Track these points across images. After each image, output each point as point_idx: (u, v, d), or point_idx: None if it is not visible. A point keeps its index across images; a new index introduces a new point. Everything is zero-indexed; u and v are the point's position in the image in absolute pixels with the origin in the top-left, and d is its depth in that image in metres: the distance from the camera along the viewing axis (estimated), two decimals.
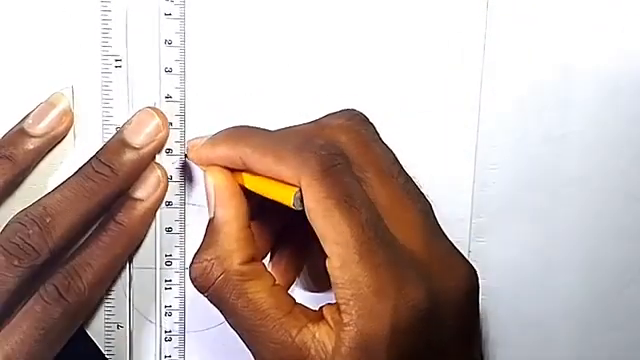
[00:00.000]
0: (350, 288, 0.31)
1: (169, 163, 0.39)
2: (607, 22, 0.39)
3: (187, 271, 0.40)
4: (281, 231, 0.38)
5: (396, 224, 0.33)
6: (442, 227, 0.36)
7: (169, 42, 0.38)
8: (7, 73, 0.38)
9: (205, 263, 0.34)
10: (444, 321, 0.32)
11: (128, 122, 0.38)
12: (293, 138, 0.34)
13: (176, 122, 0.39)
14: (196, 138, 0.38)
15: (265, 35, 0.39)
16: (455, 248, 0.35)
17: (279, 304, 0.33)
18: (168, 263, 0.40)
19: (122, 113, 0.38)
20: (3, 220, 0.36)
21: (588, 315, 0.41)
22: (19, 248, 0.35)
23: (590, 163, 0.40)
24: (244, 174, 0.35)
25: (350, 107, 0.37)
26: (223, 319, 0.34)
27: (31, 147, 0.37)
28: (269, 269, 0.36)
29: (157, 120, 0.38)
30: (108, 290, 0.39)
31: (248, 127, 0.36)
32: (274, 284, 0.34)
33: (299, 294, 0.40)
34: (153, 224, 0.39)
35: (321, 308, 0.33)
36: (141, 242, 0.39)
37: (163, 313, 0.40)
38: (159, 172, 0.38)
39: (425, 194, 0.36)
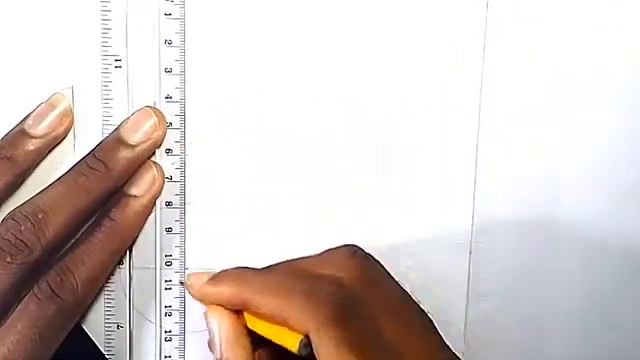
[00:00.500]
0: None
1: (169, 163, 0.39)
2: (607, 22, 0.39)
3: (187, 271, 0.40)
4: None
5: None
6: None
7: (169, 42, 0.38)
8: (7, 73, 0.38)
9: None
10: None
11: (126, 120, 0.38)
12: (299, 281, 0.33)
13: (176, 122, 0.39)
14: (195, 273, 0.38)
15: (265, 35, 0.39)
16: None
17: None
18: (168, 263, 0.40)
19: (122, 113, 0.38)
20: None
21: (588, 315, 0.41)
22: (11, 245, 0.35)
23: (590, 163, 0.40)
24: (246, 314, 0.35)
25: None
26: None
27: (31, 148, 0.37)
28: None
29: (154, 119, 0.38)
30: (108, 290, 0.39)
31: (250, 268, 0.36)
32: None
33: None
34: (153, 224, 0.39)
35: None
36: (136, 239, 0.39)
37: (163, 313, 0.40)
38: (155, 170, 0.38)
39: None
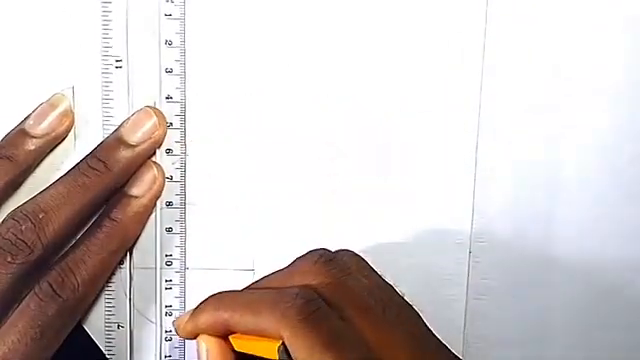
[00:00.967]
0: None
1: (169, 163, 0.39)
2: (607, 22, 0.39)
3: (187, 271, 0.40)
4: None
5: (386, 356, 0.32)
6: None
7: (169, 42, 0.38)
8: (7, 73, 0.38)
9: None
10: None
11: (126, 120, 0.38)
12: (267, 294, 0.34)
13: (176, 122, 0.39)
14: (179, 317, 0.38)
15: (265, 35, 0.39)
16: (446, 351, 0.35)
17: None
18: (168, 263, 0.40)
19: (122, 114, 0.38)
20: None
21: (587, 315, 0.41)
22: (12, 244, 0.35)
23: (590, 163, 0.40)
24: (231, 337, 0.35)
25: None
26: None
27: (32, 148, 0.37)
28: None
29: (154, 119, 0.38)
30: (108, 290, 0.39)
31: (226, 292, 0.36)
32: None
33: None
34: (153, 224, 0.39)
35: None
36: (137, 240, 0.39)
37: (163, 313, 0.40)
38: (155, 170, 0.38)
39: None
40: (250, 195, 0.40)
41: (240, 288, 0.37)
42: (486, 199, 0.40)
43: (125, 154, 0.37)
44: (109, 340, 0.40)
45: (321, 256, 0.35)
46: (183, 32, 0.38)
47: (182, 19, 0.38)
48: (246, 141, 0.39)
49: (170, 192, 0.39)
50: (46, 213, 0.35)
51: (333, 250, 0.37)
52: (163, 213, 0.39)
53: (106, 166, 0.37)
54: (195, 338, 0.36)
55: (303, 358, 0.31)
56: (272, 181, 0.40)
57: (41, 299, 0.35)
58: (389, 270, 0.37)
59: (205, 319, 0.35)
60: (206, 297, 0.36)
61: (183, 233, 0.40)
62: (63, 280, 0.35)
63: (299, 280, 0.35)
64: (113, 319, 0.40)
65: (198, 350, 0.36)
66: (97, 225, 0.37)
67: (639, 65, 0.40)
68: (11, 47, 0.38)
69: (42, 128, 0.37)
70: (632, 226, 0.41)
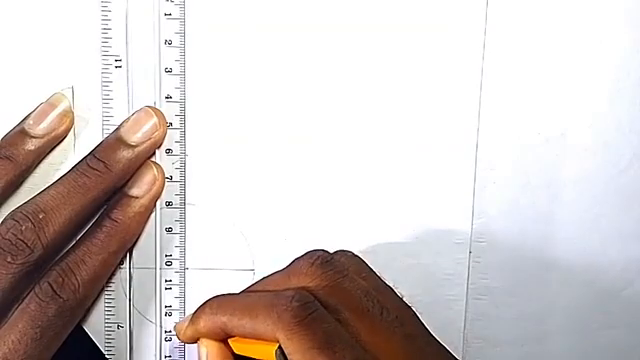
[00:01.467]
0: None
1: (169, 163, 0.39)
2: (607, 22, 0.39)
3: (187, 271, 0.40)
4: None
5: (382, 356, 0.33)
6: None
7: (169, 42, 0.38)
8: (7, 73, 0.38)
9: None
10: None
11: (126, 120, 0.38)
12: (263, 297, 0.34)
13: (176, 122, 0.39)
14: (180, 320, 0.38)
15: (265, 35, 0.39)
16: (445, 352, 0.35)
17: None
18: (168, 263, 0.40)
19: (122, 113, 0.38)
20: None
21: (588, 315, 0.41)
22: (12, 244, 0.35)
23: (590, 163, 0.40)
24: (230, 341, 0.35)
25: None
26: None
27: (32, 148, 0.37)
28: None
29: (154, 119, 0.38)
30: (108, 290, 0.39)
31: (224, 295, 0.36)
32: None
33: None
34: (153, 224, 0.39)
35: None
36: (137, 240, 0.39)
37: (163, 313, 0.40)
38: (155, 170, 0.38)
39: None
40: (250, 195, 0.40)
41: (240, 289, 0.37)
42: (486, 199, 0.40)
43: (125, 154, 0.37)
44: (109, 340, 0.40)
45: (318, 257, 0.35)
46: (183, 32, 0.38)
47: (182, 19, 0.38)
48: (246, 141, 0.39)
49: (170, 192, 0.39)
50: (46, 213, 0.35)
51: (332, 250, 0.37)
52: (163, 213, 0.39)
53: (106, 166, 0.37)
54: (195, 342, 0.36)
55: (297, 359, 0.31)
56: (272, 181, 0.40)
57: (41, 299, 0.35)
58: (389, 270, 0.37)
59: (204, 323, 0.35)
60: (205, 300, 0.36)
61: (183, 233, 0.40)
62: (63, 280, 0.35)
63: (296, 282, 0.35)
64: (113, 319, 0.40)
65: (199, 353, 0.36)
66: (97, 225, 0.37)
67: (639, 65, 0.40)
68: (11, 47, 0.38)
69: (42, 128, 0.37)
70: (632, 226, 0.41)
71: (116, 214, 0.37)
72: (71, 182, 0.36)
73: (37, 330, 0.35)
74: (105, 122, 0.39)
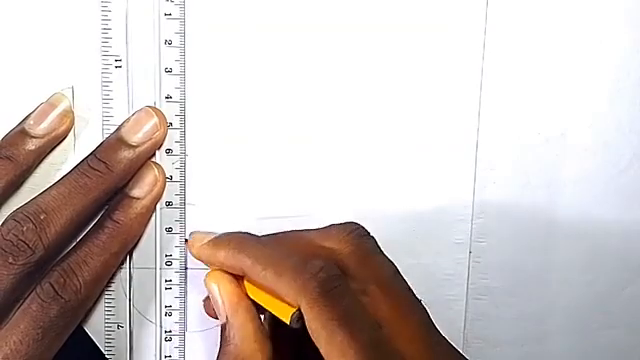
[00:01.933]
0: None
1: (169, 163, 0.39)
2: (607, 22, 0.39)
3: (187, 271, 0.40)
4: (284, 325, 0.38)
5: (399, 337, 0.33)
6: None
7: (169, 42, 0.38)
8: (7, 73, 0.38)
9: None
10: None
11: (126, 120, 0.38)
12: (293, 255, 0.34)
13: (176, 122, 0.39)
14: (198, 232, 0.38)
15: (265, 35, 0.39)
16: (456, 351, 0.35)
17: None
18: (168, 263, 0.40)
19: (122, 113, 0.38)
20: None
21: (588, 315, 0.41)
22: (13, 245, 0.35)
23: (590, 163, 0.40)
24: (245, 281, 0.35)
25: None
26: None
27: (32, 148, 0.37)
28: None
29: (155, 119, 0.38)
30: (108, 290, 0.39)
31: (249, 236, 0.37)
32: None
33: None
34: (153, 224, 0.39)
35: None
36: (138, 241, 0.39)
37: (163, 313, 0.40)
38: (156, 171, 0.38)
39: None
40: (250, 195, 0.40)
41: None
42: (486, 199, 0.40)
43: (126, 154, 0.37)
44: (109, 340, 0.40)
45: (357, 228, 0.36)
46: (183, 32, 0.38)
47: (182, 19, 0.38)
48: (246, 141, 0.39)
49: (170, 192, 0.39)
50: (47, 214, 0.35)
51: None
52: (163, 213, 0.39)
53: (107, 166, 0.37)
54: (202, 261, 0.36)
55: (316, 330, 0.32)
56: (272, 181, 0.40)
57: (43, 300, 0.35)
58: None
59: (225, 257, 0.36)
60: (231, 232, 0.36)
61: (183, 233, 0.40)
62: (65, 281, 0.35)
63: (330, 244, 0.35)
64: (113, 319, 0.40)
65: (208, 288, 0.36)
66: (99, 226, 0.37)
67: (639, 65, 0.40)
68: (11, 47, 0.38)
69: (42, 128, 0.37)
70: (632, 226, 0.41)
71: (118, 215, 0.37)
72: (72, 182, 0.36)
73: (39, 331, 0.35)
74: (105, 122, 0.38)
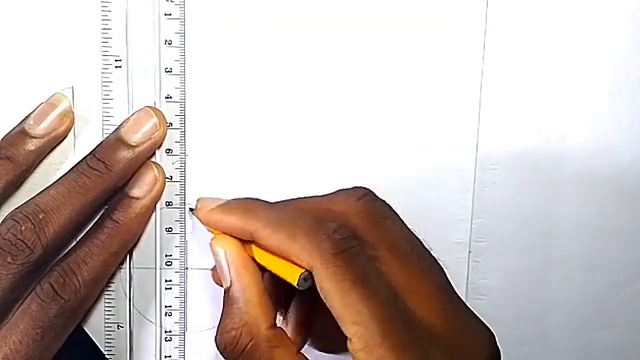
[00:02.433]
0: None
1: (169, 163, 0.39)
2: (607, 22, 0.39)
3: (187, 271, 0.40)
4: (289, 293, 0.38)
5: (414, 300, 0.32)
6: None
7: (169, 42, 0.38)
8: (7, 73, 0.38)
9: (233, 332, 0.34)
10: None
11: (126, 120, 0.38)
12: (306, 217, 0.34)
13: (176, 122, 0.39)
14: (205, 198, 0.38)
15: (265, 35, 0.39)
16: (472, 314, 0.34)
17: None
18: (168, 263, 0.40)
19: (122, 113, 0.38)
20: None
21: (587, 315, 0.41)
22: (12, 245, 0.35)
23: (590, 163, 0.40)
24: (253, 246, 0.35)
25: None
26: None
27: (32, 148, 0.37)
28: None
29: (155, 119, 0.38)
30: (108, 290, 0.39)
31: (259, 200, 0.37)
32: (298, 351, 0.34)
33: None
34: (153, 224, 0.39)
35: None
36: (138, 241, 0.39)
37: (163, 313, 0.40)
38: (156, 171, 0.38)
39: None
40: (250, 195, 0.40)
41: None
42: (486, 199, 0.40)
43: (125, 154, 0.37)
44: (109, 340, 0.40)
45: (367, 194, 0.35)
46: (183, 32, 0.38)
47: (182, 19, 0.38)
48: (246, 141, 0.39)
49: (170, 192, 0.39)
50: (46, 213, 0.35)
51: None
52: (163, 213, 0.39)
53: (106, 166, 0.37)
54: (210, 225, 0.36)
55: (329, 290, 0.31)
56: (272, 181, 0.40)
57: (42, 300, 0.35)
58: None
59: (233, 222, 0.35)
60: (240, 198, 0.36)
61: (183, 233, 0.40)
62: (64, 281, 0.35)
63: (340, 209, 0.35)
64: (113, 319, 0.40)
65: (214, 252, 0.36)
66: (99, 226, 0.37)
67: (639, 65, 0.40)
68: (11, 47, 0.38)
69: (42, 128, 0.37)
70: (632, 226, 0.41)
71: (117, 215, 0.37)
72: (71, 182, 0.36)
73: (38, 330, 0.35)
74: (105, 122, 0.38)
